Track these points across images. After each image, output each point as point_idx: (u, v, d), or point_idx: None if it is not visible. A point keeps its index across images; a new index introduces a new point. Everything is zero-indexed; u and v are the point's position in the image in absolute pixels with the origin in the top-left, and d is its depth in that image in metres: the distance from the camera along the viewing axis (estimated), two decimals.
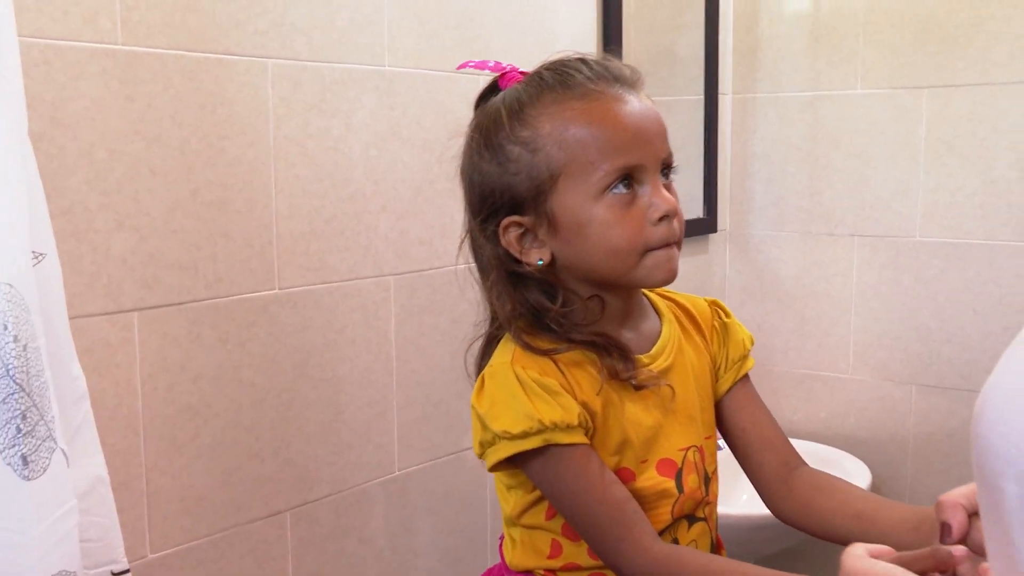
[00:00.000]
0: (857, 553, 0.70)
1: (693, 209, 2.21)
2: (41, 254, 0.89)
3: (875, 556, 0.70)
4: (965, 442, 2.34)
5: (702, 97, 2.19)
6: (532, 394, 0.91)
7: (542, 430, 0.90)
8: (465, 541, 1.67)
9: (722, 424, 1.10)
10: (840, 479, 1.07)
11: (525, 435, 0.91)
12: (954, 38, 1.99)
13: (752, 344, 1.10)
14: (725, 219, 2.31)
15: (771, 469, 1.06)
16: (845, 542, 1.04)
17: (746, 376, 1.09)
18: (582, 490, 0.91)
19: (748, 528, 1.75)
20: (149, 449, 1.22)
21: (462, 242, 1.02)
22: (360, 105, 1.44)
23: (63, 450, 0.87)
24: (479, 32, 1.62)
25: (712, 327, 1.09)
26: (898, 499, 2.17)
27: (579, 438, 0.92)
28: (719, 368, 1.08)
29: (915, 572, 0.68)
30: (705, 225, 2.23)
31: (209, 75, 1.25)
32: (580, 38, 1.85)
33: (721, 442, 2.01)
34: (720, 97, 2.23)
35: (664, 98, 2.13)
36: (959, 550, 0.68)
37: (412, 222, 1.52)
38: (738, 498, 2.08)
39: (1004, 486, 0.58)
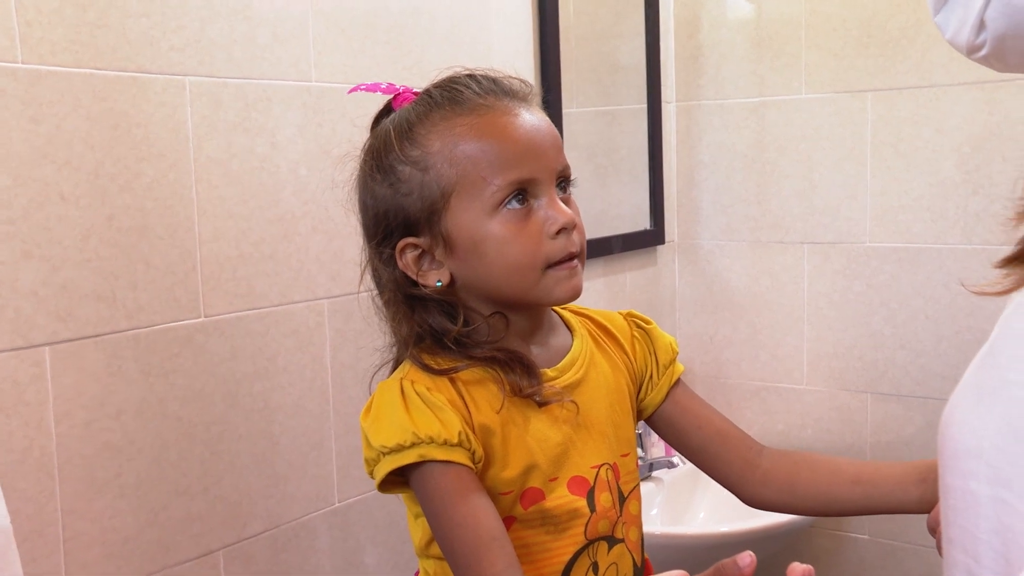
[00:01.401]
0: None
1: (640, 221, 2.17)
2: None
3: None
4: (922, 449, 2.33)
5: (645, 106, 2.15)
6: (412, 407, 0.88)
7: (416, 443, 0.86)
8: (414, 573, 1.61)
9: (671, 431, 1.06)
10: (813, 452, 1.04)
11: (400, 448, 0.87)
12: (895, 41, 1.98)
13: (677, 349, 1.07)
14: (673, 230, 2.27)
15: (737, 458, 1.02)
16: (846, 512, 1.00)
17: (679, 380, 1.06)
18: (447, 512, 0.86)
19: (705, 548, 1.71)
20: (65, 492, 1.15)
21: (363, 270, 0.99)
22: (286, 122, 1.38)
23: None
24: (410, 47, 1.57)
25: (632, 337, 1.05)
26: None
27: (456, 456, 0.87)
28: (650, 376, 1.04)
29: None
30: (652, 236, 2.19)
31: (123, 94, 1.19)
32: (516, 49, 1.80)
33: (676, 459, 1.99)
34: (664, 105, 2.20)
35: (606, 108, 2.09)
36: (744, 559, 0.64)
37: (346, 243, 1.47)
38: (694, 516, 2.04)
39: (974, 487, 0.56)
